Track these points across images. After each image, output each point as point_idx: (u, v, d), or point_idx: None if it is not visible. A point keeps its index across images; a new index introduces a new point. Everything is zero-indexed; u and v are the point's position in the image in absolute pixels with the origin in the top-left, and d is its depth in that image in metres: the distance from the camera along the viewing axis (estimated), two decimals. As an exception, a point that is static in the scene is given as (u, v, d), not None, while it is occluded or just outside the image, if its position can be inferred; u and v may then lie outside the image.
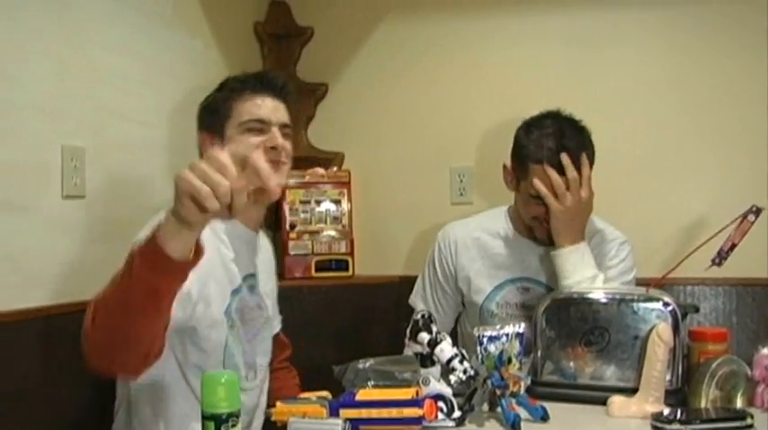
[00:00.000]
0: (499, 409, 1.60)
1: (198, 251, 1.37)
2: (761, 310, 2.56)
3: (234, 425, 1.24)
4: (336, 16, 3.02)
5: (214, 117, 1.95)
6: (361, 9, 2.99)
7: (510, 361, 1.64)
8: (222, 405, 1.24)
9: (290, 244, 2.77)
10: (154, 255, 1.32)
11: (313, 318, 2.69)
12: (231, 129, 1.92)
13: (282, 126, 1.94)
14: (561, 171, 2.08)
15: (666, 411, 1.61)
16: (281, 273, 2.77)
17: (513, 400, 1.61)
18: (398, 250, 2.92)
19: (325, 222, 2.82)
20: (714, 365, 1.69)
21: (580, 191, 2.08)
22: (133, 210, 2.14)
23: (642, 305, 1.78)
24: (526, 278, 2.24)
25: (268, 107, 1.93)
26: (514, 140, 2.20)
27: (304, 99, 3.00)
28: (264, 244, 2.12)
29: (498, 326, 1.67)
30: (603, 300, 1.83)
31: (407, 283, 2.47)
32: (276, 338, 2.16)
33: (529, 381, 1.76)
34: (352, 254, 2.82)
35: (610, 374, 1.79)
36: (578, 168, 2.08)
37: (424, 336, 1.59)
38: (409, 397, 1.51)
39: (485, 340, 1.64)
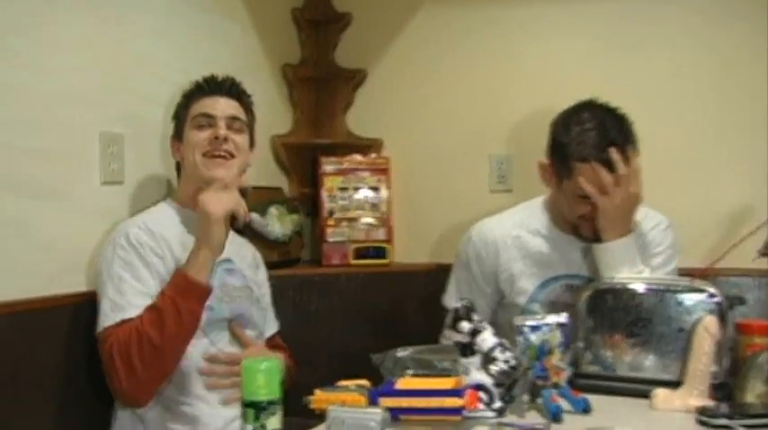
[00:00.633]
0: (540, 400, 1.58)
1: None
2: (808, 302, 2.50)
3: (273, 413, 1.23)
4: (374, 2, 2.99)
5: (177, 123, 2.07)
6: (400, -6, 2.97)
7: (552, 351, 1.61)
8: (262, 392, 1.23)
9: (328, 231, 2.75)
10: (195, 290, 1.78)
11: (350, 305, 2.68)
12: (186, 128, 2.02)
13: (231, 119, 2.01)
14: (609, 166, 1.96)
15: (712, 405, 1.58)
16: (318, 260, 2.77)
17: (555, 391, 1.59)
18: (437, 238, 2.89)
19: (364, 209, 2.79)
20: (761, 359, 1.66)
21: (629, 185, 1.97)
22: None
23: (687, 296, 1.75)
24: (570, 275, 2.13)
25: (216, 103, 2.02)
26: (552, 137, 2.10)
27: (342, 85, 2.99)
28: (245, 242, 2.21)
29: (539, 316, 1.65)
30: (647, 291, 1.79)
31: (445, 272, 2.44)
32: (271, 341, 2.18)
33: (571, 372, 1.73)
34: (390, 241, 2.80)
35: (652, 366, 1.76)
36: (626, 161, 1.97)
37: (465, 325, 1.58)
38: (450, 386, 1.50)
39: (526, 330, 1.62)
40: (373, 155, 2.91)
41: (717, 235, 2.50)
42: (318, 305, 2.54)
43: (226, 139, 1.97)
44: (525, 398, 1.63)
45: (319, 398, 1.49)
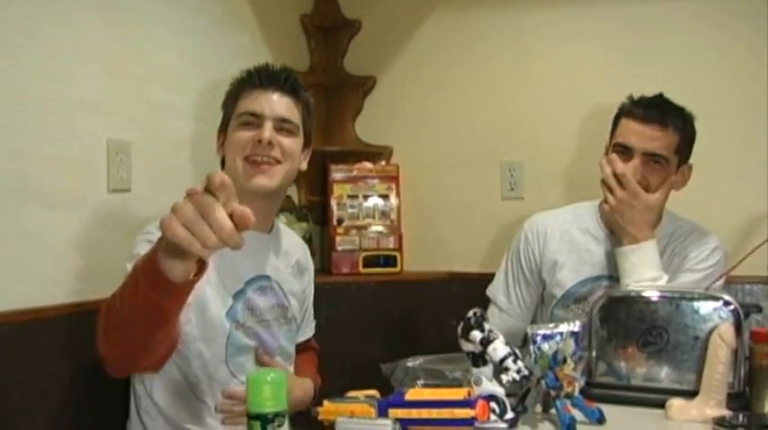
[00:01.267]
0: (553, 411, 1.56)
1: (201, 267, 1.31)
2: (825, 310, 2.47)
3: (280, 425, 1.21)
4: (384, 8, 2.99)
5: (224, 115, 1.91)
6: (410, 1, 2.96)
7: (565, 360, 1.58)
8: (268, 404, 1.21)
9: (338, 239, 2.74)
10: (156, 277, 1.27)
11: (360, 314, 2.66)
12: (231, 125, 1.86)
13: (280, 120, 1.84)
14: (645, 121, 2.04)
15: (729, 415, 1.55)
16: (327, 269, 2.75)
17: (569, 402, 1.56)
18: (447, 246, 2.87)
19: (373, 217, 2.78)
20: (778, 367, 1.62)
21: (636, 186, 2.01)
22: (179, 205, 2.14)
23: (702, 304, 1.72)
24: (612, 277, 2.13)
25: (266, 100, 1.84)
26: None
27: (351, 92, 2.98)
28: (290, 244, 2.04)
29: (552, 325, 1.62)
30: (661, 299, 1.77)
31: (456, 280, 2.43)
32: (306, 345, 2.13)
33: (584, 382, 1.70)
34: (400, 249, 2.78)
35: (667, 376, 1.73)
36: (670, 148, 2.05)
37: (477, 335, 1.54)
38: (461, 397, 1.47)
39: (538, 339, 1.59)
40: (383, 162, 2.91)
41: (732, 243, 2.46)
42: (328, 314, 2.51)
43: (270, 143, 1.80)
44: (538, 408, 1.61)
45: (328, 409, 1.47)
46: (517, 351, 1.57)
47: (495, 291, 2.32)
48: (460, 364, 1.66)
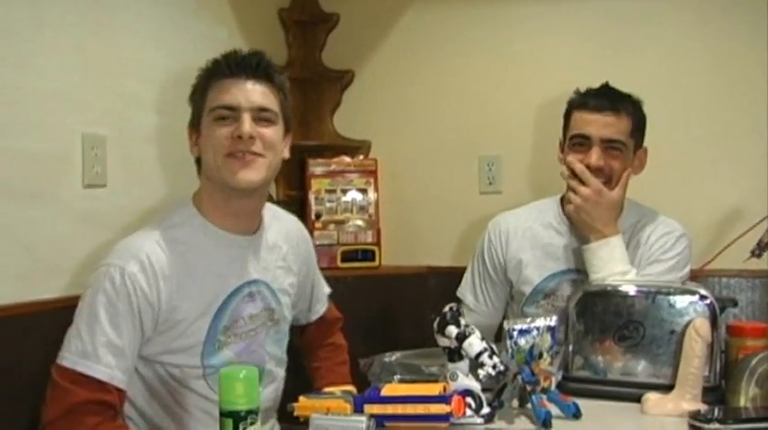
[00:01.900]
0: (529, 406, 1.55)
1: None
2: (801, 304, 2.48)
3: (253, 423, 1.20)
4: (362, 2, 2.97)
5: (193, 110, 1.78)
6: (388, -6, 2.94)
7: (541, 355, 1.58)
8: (240, 401, 1.20)
9: (316, 233, 2.72)
10: None
11: (338, 309, 2.65)
12: (204, 120, 1.73)
13: (258, 110, 1.71)
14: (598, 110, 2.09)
15: (704, 409, 1.55)
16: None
17: (545, 397, 1.56)
18: (426, 240, 2.87)
19: (352, 212, 2.77)
20: (754, 362, 1.63)
21: (598, 184, 2.04)
22: (155, 200, 2.13)
23: (678, 298, 1.72)
24: (577, 270, 2.14)
25: (239, 90, 1.70)
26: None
27: (330, 86, 2.96)
28: (278, 233, 1.92)
29: (529, 320, 1.62)
30: (638, 293, 1.77)
31: (435, 274, 2.42)
32: (320, 321, 2.13)
33: (560, 377, 1.70)
34: (378, 244, 2.77)
35: (643, 370, 1.73)
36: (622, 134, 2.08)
37: (452, 330, 1.54)
38: (436, 392, 1.46)
39: (515, 334, 1.59)
40: (361, 156, 2.89)
41: (708, 236, 2.48)
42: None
43: (252, 137, 1.68)
44: (514, 403, 1.60)
45: (303, 405, 1.46)
46: (493, 346, 1.56)
47: (463, 290, 2.35)
48: (437, 359, 1.66)
